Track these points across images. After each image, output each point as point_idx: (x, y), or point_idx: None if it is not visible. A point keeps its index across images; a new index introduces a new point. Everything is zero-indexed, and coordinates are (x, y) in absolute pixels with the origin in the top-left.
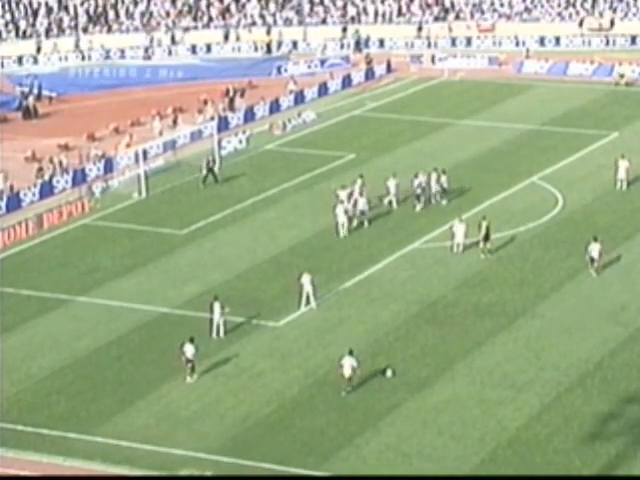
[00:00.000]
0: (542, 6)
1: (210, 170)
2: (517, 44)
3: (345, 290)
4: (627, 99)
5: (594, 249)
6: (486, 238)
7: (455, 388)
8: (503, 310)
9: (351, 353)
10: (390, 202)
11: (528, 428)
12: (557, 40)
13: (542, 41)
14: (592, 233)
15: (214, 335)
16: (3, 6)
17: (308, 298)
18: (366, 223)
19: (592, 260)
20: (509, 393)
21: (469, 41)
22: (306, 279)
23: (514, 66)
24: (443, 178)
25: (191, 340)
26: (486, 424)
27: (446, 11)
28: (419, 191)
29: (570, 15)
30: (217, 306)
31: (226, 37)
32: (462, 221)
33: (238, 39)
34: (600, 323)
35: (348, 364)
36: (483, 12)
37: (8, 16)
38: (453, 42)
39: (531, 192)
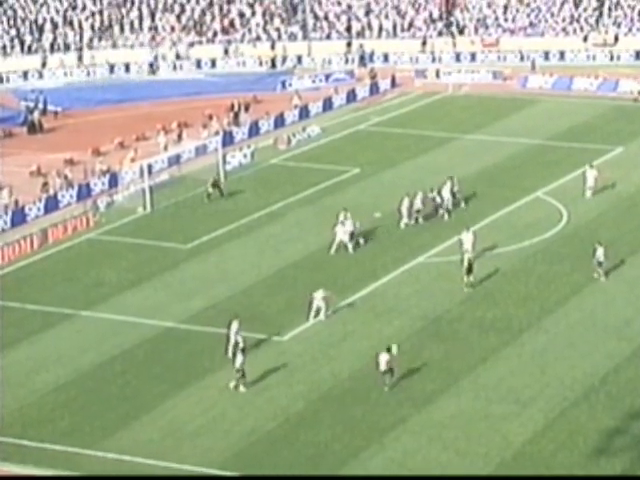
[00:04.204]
0: (546, 21)
1: (216, 185)
2: (521, 59)
3: (350, 305)
4: (632, 114)
5: (600, 253)
6: (469, 271)
7: (460, 403)
8: (508, 325)
9: (389, 350)
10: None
11: (533, 443)
12: (562, 55)
13: (547, 56)
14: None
15: (229, 354)
16: (8, 21)
17: (318, 311)
18: (362, 241)
19: (600, 264)
20: (514, 408)
21: (473, 56)
22: (319, 295)
23: (519, 81)
24: (456, 187)
25: (242, 350)
26: (491, 439)
27: (449, 26)
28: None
29: (574, 30)
30: (235, 325)
31: (226, 52)
32: (469, 231)
33: (242, 54)
34: (605, 338)
35: (384, 359)
36: (487, 27)
37: (13, 31)
38: (457, 57)
39: (536, 207)
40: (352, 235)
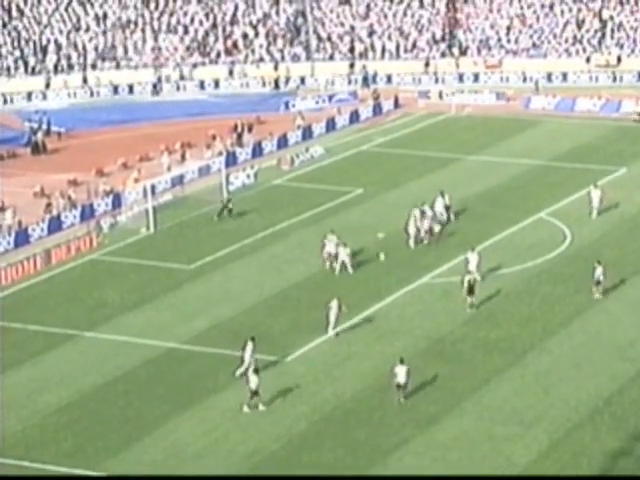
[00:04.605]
0: (549, 42)
1: (225, 205)
2: (524, 80)
3: (353, 325)
4: (635, 135)
5: (599, 272)
6: (470, 292)
7: (463, 424)
8: (511, 346)
9: (402, 362)
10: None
11: (537, 464)
12: (564, 76)
13: (549, 77)
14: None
15: (238, 374)
16: (12, 43)
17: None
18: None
19: (598, 283)
20: (518, 429)
21: (476, 77)
22: (334, 304)
23: (522, 102)
24: (448, 202)
25: (256, 371)
26: (495, 460)
27: (452, 47)
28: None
29: (577, 51)
30: (250, 347)
31: (230, 73)
32: (474, 251)
33: (246, 75)
34: (609, 359)
35: (402, 372)
36: (490, 48)
37: (17, 52)
38: (460, 78)
39: (539, 227)
40: (336, 256)
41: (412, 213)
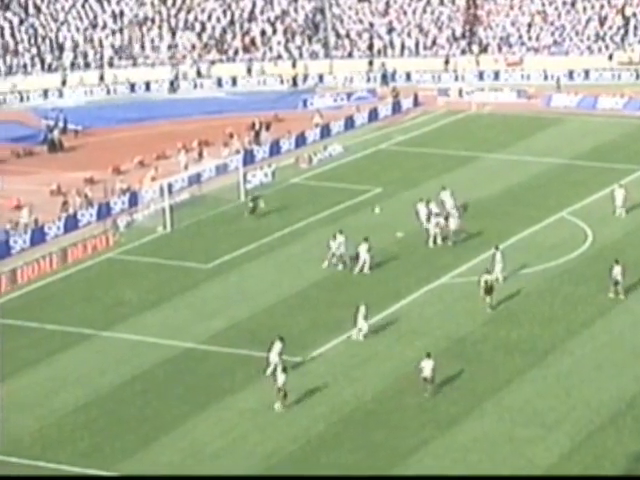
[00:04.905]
0: (571, 39)
1: (256, 203)
2: (545, 78)
3: (372, 326)
4: None
5: (617, 272)
6: (489, 292)
7: (484, 426)
8: (533, 346)
9: (429, 356)
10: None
11: (559, 467)
12: (586, 74)
13: (571, 75)
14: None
15: (268, 373)
16: (29, 40)
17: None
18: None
19: (616, 283)
20: (539, 431)
21: (497, 74)
22: (362, 309)
23: (543, 99)
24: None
25: (284, 369)
26: (516, 463)
27: (472, 44)
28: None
29: (599, 49)
30: (278, 346)
31: (249, 70)
32: (499, 250)
33: (264, 72)
34: (632, 360)
35: (428, 366)
36: (511, 45)
37: (34, 50)
38: (481, 75)
39: (561, 227)
40: (340, 257)
41: (417, 208)
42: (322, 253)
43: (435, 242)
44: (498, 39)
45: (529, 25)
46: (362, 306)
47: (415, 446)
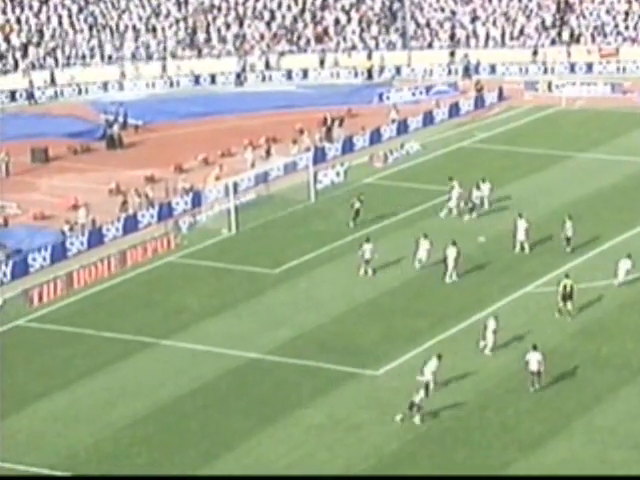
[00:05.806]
0: None
1: (358, 208)
2: None
3: (451, 337)
4: None
5: None
6: (569, 297)
7: (572, 447)
8: (626, 362)
9: (535, 348)
10: (522, 247)
11: None
12: None
13: None
14: None
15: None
16: (90, 29)
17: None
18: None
19: None
20: (633, 454)
21: (590, 67)
22: (491, 323)
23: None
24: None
25: (426, 387)
26: None
27: (560, 34)
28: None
29: None
30: (434, 363)
31: (321, 62)
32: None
33: (337, 64)
34: None
35: (534, 359)
36: (605, 35)
37: (94, 40)
38: (572, 68)
39: None
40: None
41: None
42: (398, 259)
43: (523, 248)
44: (592, 28)
45: (626, 13)
46: (491, 319)
47: (496, 467)
